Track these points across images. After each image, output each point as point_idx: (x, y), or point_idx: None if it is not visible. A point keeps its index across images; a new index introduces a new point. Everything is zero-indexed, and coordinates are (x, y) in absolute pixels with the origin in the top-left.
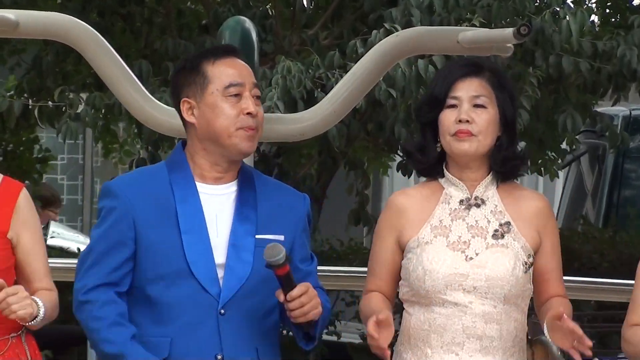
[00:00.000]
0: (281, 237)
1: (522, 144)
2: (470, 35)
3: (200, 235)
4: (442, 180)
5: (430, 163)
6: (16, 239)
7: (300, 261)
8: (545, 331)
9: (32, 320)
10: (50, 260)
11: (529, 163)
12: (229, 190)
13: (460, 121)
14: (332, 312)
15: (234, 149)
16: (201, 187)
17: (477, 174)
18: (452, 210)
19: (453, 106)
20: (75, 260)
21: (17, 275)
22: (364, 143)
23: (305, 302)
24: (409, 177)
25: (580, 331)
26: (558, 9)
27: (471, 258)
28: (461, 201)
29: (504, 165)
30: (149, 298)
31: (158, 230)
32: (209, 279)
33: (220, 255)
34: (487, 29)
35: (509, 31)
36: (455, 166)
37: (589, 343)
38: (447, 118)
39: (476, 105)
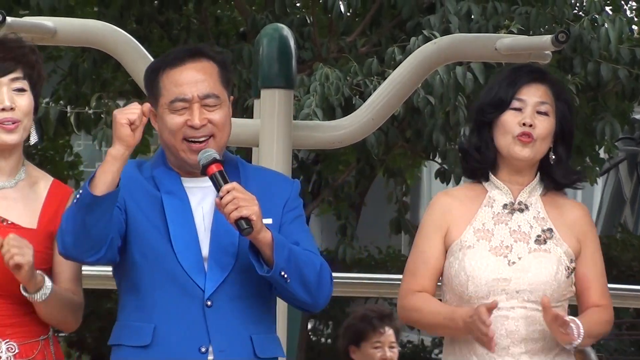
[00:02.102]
0: (269, 221)
1: None
2: (508, 42)
3: (187, 226)
4: (486, 183)
5: (487, 163)
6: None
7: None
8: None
9: (37, 292)
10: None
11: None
12: (209, 183)
13: (524, 124)
14: None
15: (184, 161)
16: (184, 181)
17: (524, 179)
18: (495, 214)
19: (517, 109)
20: (108, 268)
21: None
22: (402, 150)
23: (237, 196)
24: (447, 183)
25: (560, 315)
26: (596, 16)
27: (514, 262)
28: (505, 205)
29: (568, 177)
30: (134, 283)
31: (147, 217)
32: (196, 270)
33: (205, 247)
34: (525, 36)
35: (547, 38)
36: (506, 169)
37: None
38: (511, 119)
39: (539, 112)
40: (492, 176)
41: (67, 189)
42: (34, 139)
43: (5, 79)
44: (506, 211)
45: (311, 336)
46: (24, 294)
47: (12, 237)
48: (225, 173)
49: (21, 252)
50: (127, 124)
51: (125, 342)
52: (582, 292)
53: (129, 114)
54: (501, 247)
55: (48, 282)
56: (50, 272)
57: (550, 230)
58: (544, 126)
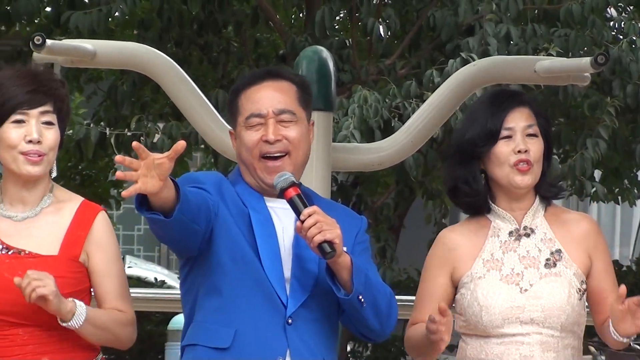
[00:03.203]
0: (344, 249)
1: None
2: (547, 64)
3: (272, 245)
4: (488, 214)
5: (479, 194)
6: (88, 261)
7: None
8: (612, 330)
9: (71, 318)
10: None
11: (591, 189)
12: (287, 205)
13: (519, 151)
14: None
15: (260, 181)
16: (267, 200)
17: (525, 203)
18: (502, 242)
19: (507, 137)
20: (153, 290)
21: (94, 297)
22: (441, 173)
23: (319, 219)
24: None
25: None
26: (635, 38)
27: (526, 290)
28: (510, 233)
29: (550, 190)
30: (217, 286)
31: (237, 224)
32: (280, 286)
33: (287, 269)
34: (564, 59)
35: (586, 60)
36: (505, 198)
37: None
38: (504, 149)
39: (529, 135)
40: (493, 205)
41: (95, 208)
42: (54, 172)
43: (35, 111)
44: (512, 238)
45: (350, 358)
46: (62, 324)
47: (30, 273)
48: (303, 196)
49: (43, 284)
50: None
51: (202, 342)
52: (598, 304)
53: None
54: (512, 275)
55: (81, 307)
56: (78, 295)
57: (559, 251)
58: (536, 148)
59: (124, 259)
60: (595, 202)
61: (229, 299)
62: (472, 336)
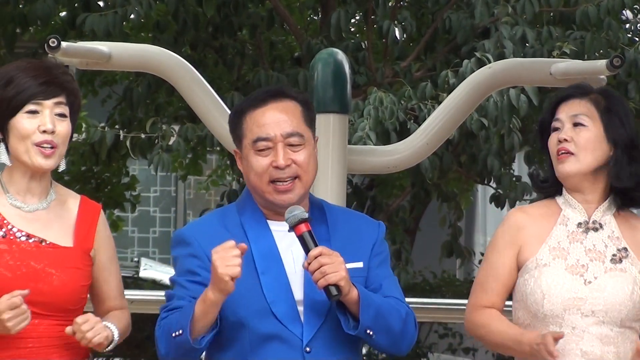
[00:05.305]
0: (360, 264)
1: None
2: (562, 67)
3: (278, 274)
4: (560, 201)
5: (549, 184)
6: (95, 257)
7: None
8: None
9: (109, 345)
10: (142, 292)
11: None
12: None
13: (559, 141)
14: (425, 344)
15: (270, 203)
16: (273, 224)
17: (591, 196)
18: (569, 232)
19: (557, 129)
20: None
21: (91, 293)
22: (457, 175)
23: (324, 262)
24: (501, 208)
25: None
26: None
27: (590, 282)
28: (579, 224)
29: (625, 180)
30: (231, 341)
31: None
32: (291, 317)
33: (298, 291)
34: (580, 61)
35: (602, 63)
36: (569, 190)
37: None
38: (552, 141)
39: (575, 124)
40: (566, 193)
41: (96, 206)
42: (62, 166)
43: (50, 102)
44: (580, 230)
45: None
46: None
47: (80, 322)
48: (313, 234)
49: (95, 332)
50: (230, 280)
51: None
52: None
53: (231, 270)
54: (577, 265)
55: (115, 331)
56: (85, 289)
57: (625, 249)
58: (581, 137)
59: (139, 261)
60: None
61: (245, 353)
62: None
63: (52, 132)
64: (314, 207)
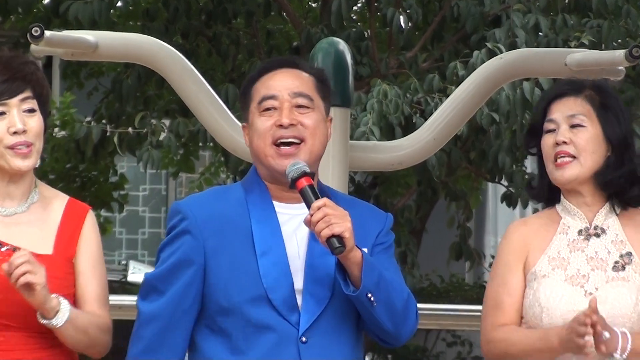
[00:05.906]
0: (365, 250)
1: None
2: (578, 57)
3: (278, 258)
4: (559, 209)
5: (544, 190)
6: (75, 261)
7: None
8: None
9: (54, 316)
10: (130, 297)
11: None
12: (306, 211)
13: (557, 144)
14: (432, 353)
15: (271, 168)
16: (279, 206)
17: (591, 199)
18: (570, 241)
19: (551, 130)
20: None
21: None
22: (466, 172)
23: (328, 213)
24: (513, 208)
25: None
26: None
27: (590, 293)
28: (580, 231)
29: (611, 187)
30: (223, 328)
31: (231, 255)
32: (288, 305)
33: (299, 279)
34: (597, 51)
35: (621, 53)
36: (567, 194)
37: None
38: (546, 143)
39: (573, 126)
40: (564, 200)
41: (83, 207)
42: (37, 163)
43: (15, 100)
44: (582, 237)
45: None
46: (41, 320)
47: (21, 254)
48: (315, 188)
49: (35, 271)
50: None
51: None
52: None
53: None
54: (577, 276)
55: (65, 305)
56: (72, 298)
57: (629, 254)
58: (580, 139)
59: (127, 264)
60: None
61: (239, 340)
62: None
63: (24, 132)
64: (321, 192)
